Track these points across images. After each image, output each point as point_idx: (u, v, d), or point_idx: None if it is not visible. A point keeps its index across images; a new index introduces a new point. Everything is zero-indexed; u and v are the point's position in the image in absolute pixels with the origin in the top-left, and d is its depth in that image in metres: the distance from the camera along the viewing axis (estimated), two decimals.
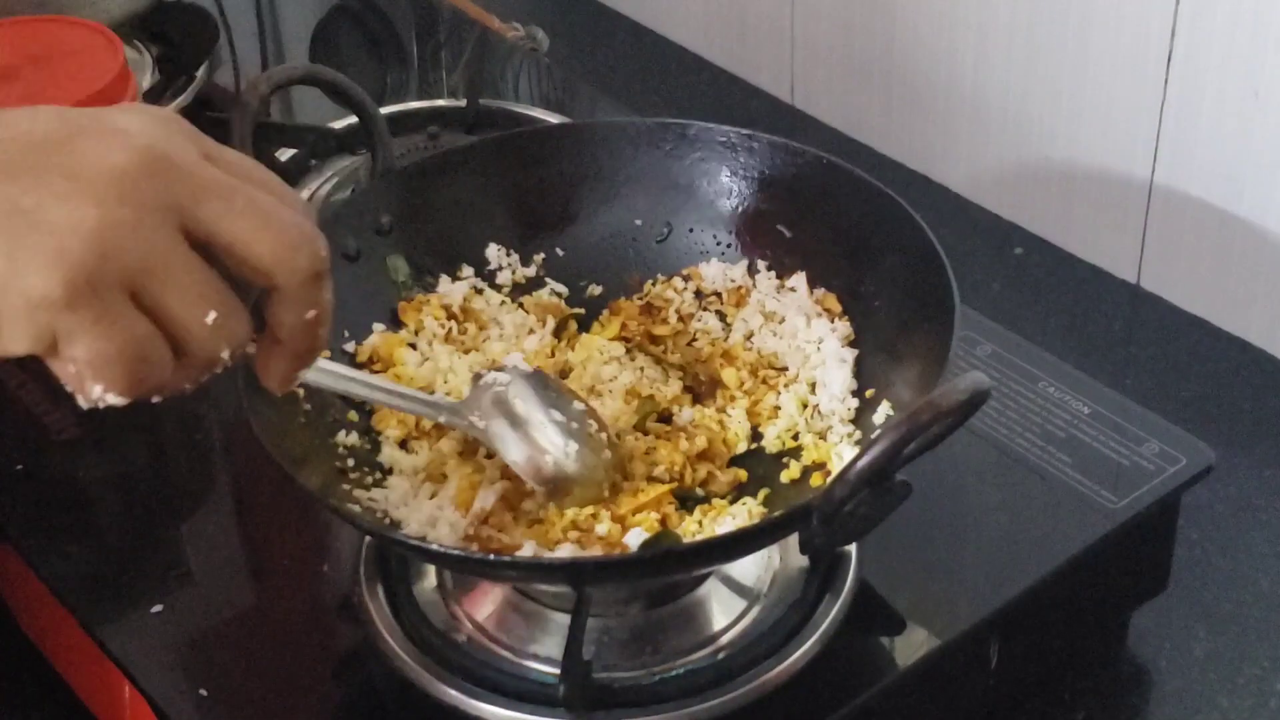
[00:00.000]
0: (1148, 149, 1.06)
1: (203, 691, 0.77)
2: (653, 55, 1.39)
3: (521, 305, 0.87)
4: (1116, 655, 0.87)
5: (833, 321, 0.83)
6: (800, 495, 0.76)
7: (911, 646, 0.77)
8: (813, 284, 0.85)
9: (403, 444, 0.80)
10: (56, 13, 1.04)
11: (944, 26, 1.16)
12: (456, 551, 0.72)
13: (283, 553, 0.85)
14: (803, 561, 0.78)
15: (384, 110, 1.02)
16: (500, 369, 0.78)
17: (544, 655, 0.75)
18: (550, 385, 0.79)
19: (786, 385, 0.82)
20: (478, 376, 0.79)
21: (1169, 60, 1.02)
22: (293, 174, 1.10)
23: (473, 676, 0.75)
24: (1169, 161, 1.06)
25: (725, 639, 0.76)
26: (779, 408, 0.81)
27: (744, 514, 0.76)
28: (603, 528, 0.74)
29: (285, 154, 1.10)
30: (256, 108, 0.86)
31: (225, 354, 0.57)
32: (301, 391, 0.79)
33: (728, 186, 0.88)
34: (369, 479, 0.77)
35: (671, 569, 0.74)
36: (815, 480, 0.77)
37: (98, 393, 0.54)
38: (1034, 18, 1.09)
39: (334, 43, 1.36)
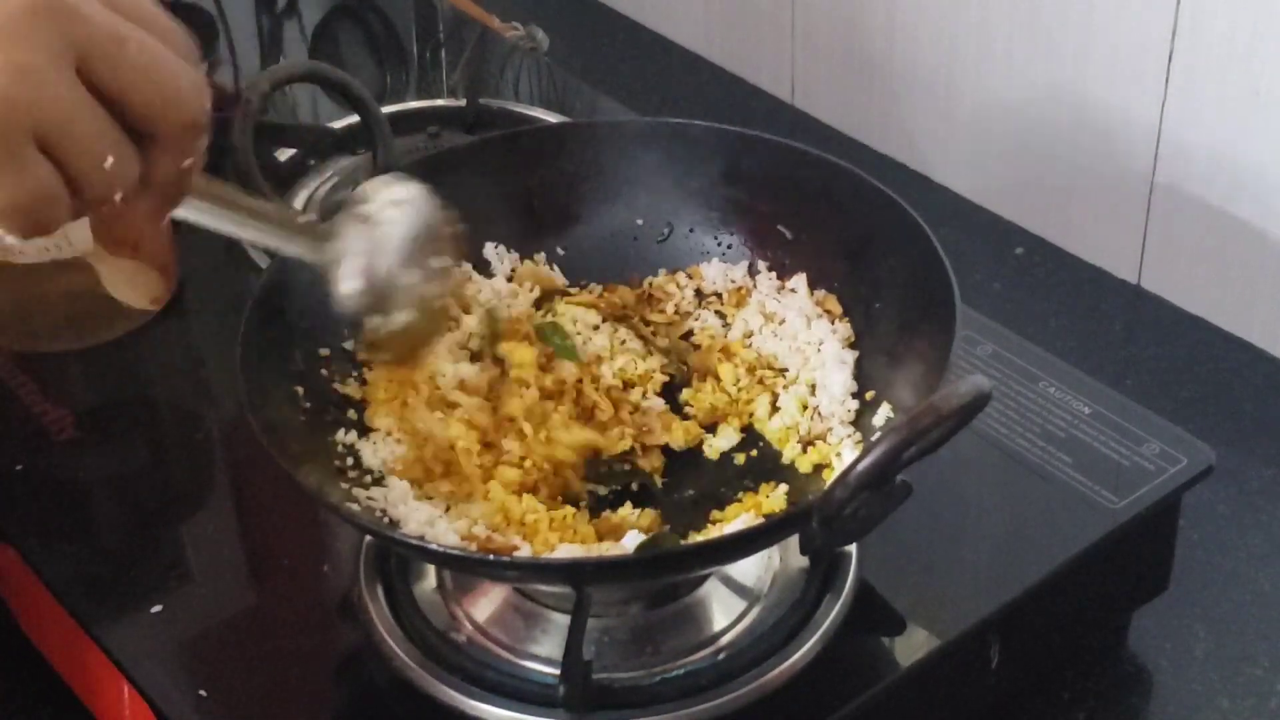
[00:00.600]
0: (1148, 149, 1.06)
1: (202, 692, 0.77)
2: (653, 55, 1.39)
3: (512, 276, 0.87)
4: (1117, 655, 0.87)
5: (833, 323, 0.83)
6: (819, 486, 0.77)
7: (912, 646, 0.77)
8: (813, 285, 0.85)
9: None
10: None
11: (945, 26, 1.15)
12: (456, 551, 0.72)
13: (283, 553, 0.84)
14: (803, 561, 0.78)
15: (384, 110, 1.02)
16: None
17: (544, 655, 0.75)
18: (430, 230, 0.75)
19: (786, 386, 0.82)
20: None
21: (1169, 60, 1.02)
22: (292, 174, 1.10)
23: (472, 677, 0.75)
24: (1169, 161, 1.06)
25: (725, 639, 0.76)
26: (778, 408, 0.81)
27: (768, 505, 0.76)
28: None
29: (285, 154, 1.10)
30: (257, 106, 0.86)
31: (118, 196, 0.56)
32: (301, 390, 0.79)
33: (728, 187, 0.88)
34: (369, 478, 0.77)
35: (671, 570, 0.74)
36: (827, 475, 0.77)
37: None
38: (1034, 18, 1.09)
39: (334, 42, 1.36)
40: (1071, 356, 0.94)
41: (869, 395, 0.80)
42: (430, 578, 0.80)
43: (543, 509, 0.75)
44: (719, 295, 0.87)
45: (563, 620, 0.74)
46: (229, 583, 0.84)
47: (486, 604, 0.78)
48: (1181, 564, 0.87)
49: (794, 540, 0.70)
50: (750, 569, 0.79)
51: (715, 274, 0.87)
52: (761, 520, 0.74)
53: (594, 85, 1.24)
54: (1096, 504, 0.82)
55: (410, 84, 1.31)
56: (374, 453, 0.78)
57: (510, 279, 0.88)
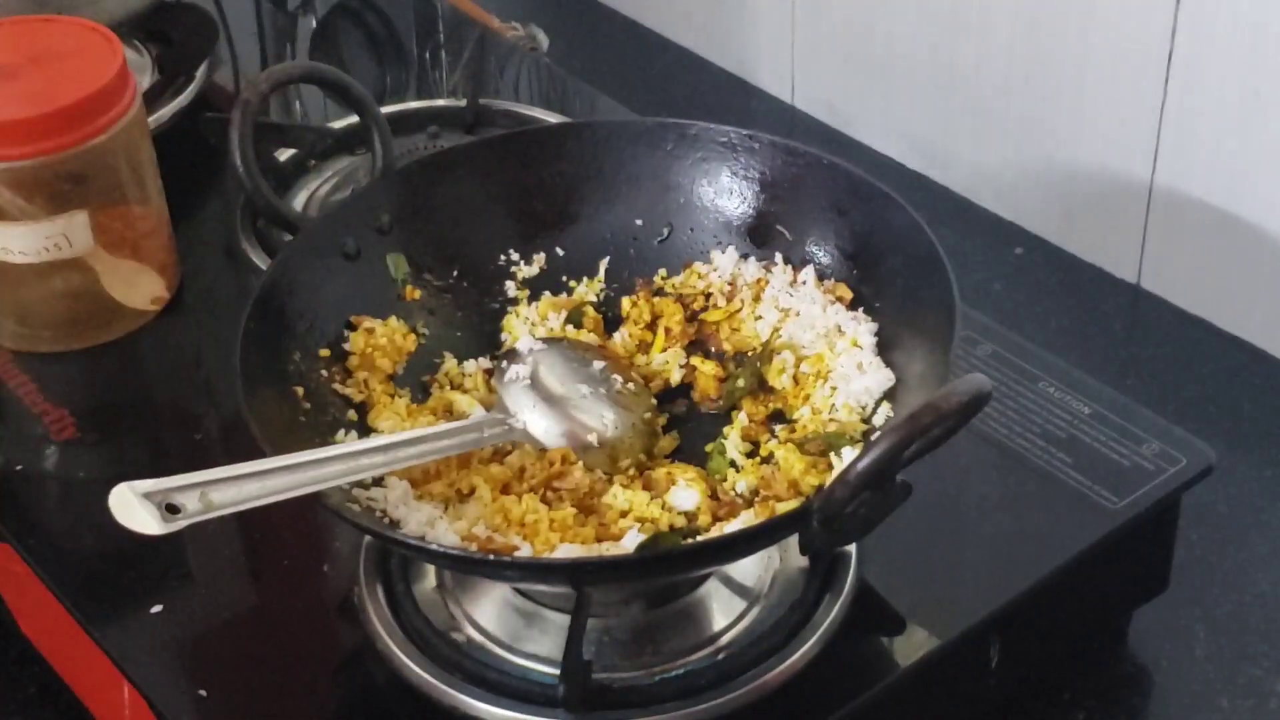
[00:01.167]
0: (1148, 149, 1.06)
1: (202, 692, 0.77)
2: (653, 55, 1.39)
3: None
4: (1117, 655, 0.87)
5: (850, 310, 0.83)
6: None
7: (911, 646, 0.77)
8: (820, 278, 0.85)
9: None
10: (56, 12, 1.04)
11: (945, 27, 1.15)
12: (456, 551, 0.72)
13: (283, 553, 0.84)
14: (803, 562, 0.78)
15: (384, 110, 1.02)
16: (513, 354, 0.81)
17: (544, 655, 0.75)
18: (568, 351, 0.81)
19: (822, 378, 0.81)
20: (491, 372, 0.81)
21: (1169, 60, 1.02)
22: (292, 174, 1.10)
23: (472, 677, 0.75)
24: (1169, 161, 1.06)
25: (725, 639, 0.76)
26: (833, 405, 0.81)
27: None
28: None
29: (285, 154, 1.10)
30: (257, 107, 0.86)
31: None
32: (301, 391, 0.79)
33: (728, 187, 0.88)
34: (368, 479, 0.77)
35: (671, 570, 0.74)
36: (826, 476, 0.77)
37: None
38: (1034, 18, 1.09)
39: (334, 42, 1.36)
40: (1071, 356, 0.94)
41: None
42: (430, 578, 0.80)
43: (543, 509, 0.75)
44: (731, 285, 0.87)
45: (562, 620, 0.74)
46: (229, 583, 0.84)
47: (486, 604, 0.78)
48: (1181, 564, 0.87)
49: (794, 540, 0.70)
50: (750, 569, 0.79)
51: (727, 263, 0.87)
52: (761, 520, 0.74)
53: (594, 85, 1.24)
54: (1096, 504, 0.82)
55: (410, 84, 1.31)
56: None
57: (522, 287, 0.88)
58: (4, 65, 0.95)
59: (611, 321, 0.88)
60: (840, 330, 0.82)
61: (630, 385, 0.82)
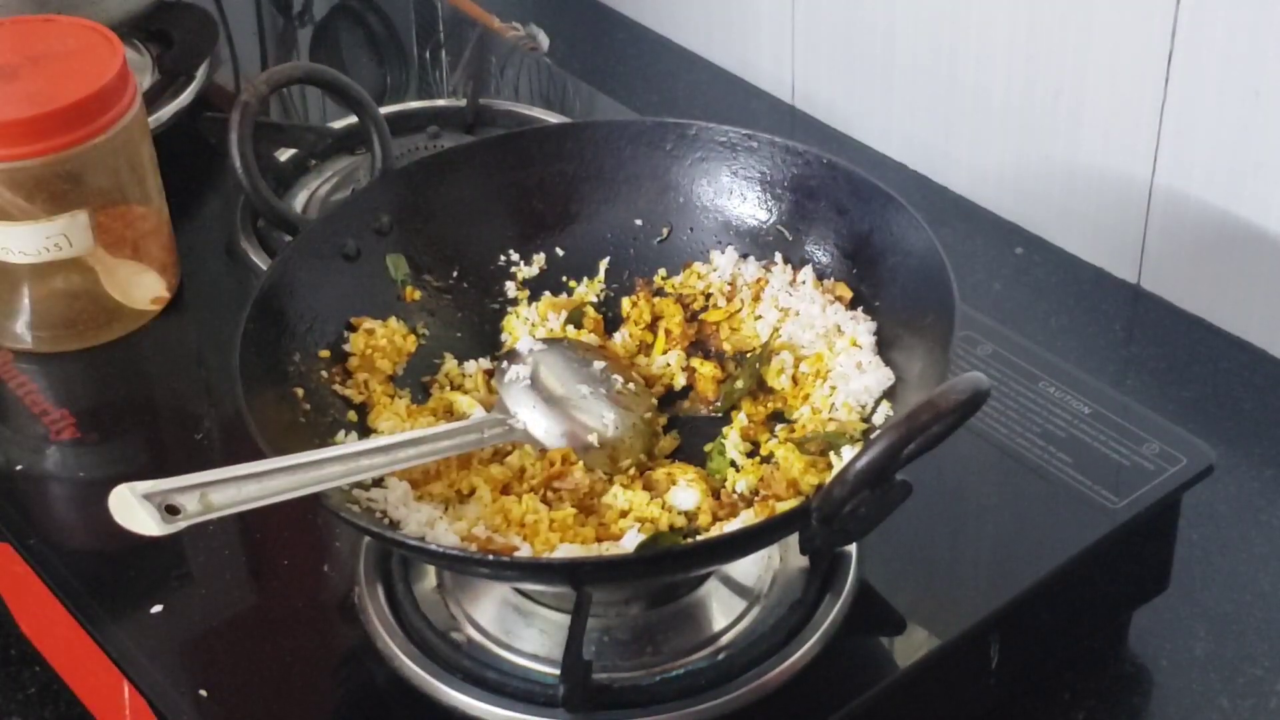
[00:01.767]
0: (1148, 149, 1.06)
1: (202, 692, 0.77)
2: (653, 55, 1.39)
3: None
4: (1117, 655, 0.87)
5: (849, 309, 0.83)
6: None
7: (912, 646, 0.77)
8: (820, 278, 0.85)
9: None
10: (56, 12, 1.04)
11: (945, 26, 1.15)
12: (456, 551, 0.72)
13: (283, 553, 0.84)
14: (803, 561, 0.78)
15: (384, 110, 1.02)
16: (514, 355, 0.81)
17: (544, 655, 0.75)
18: (568, 352, 0.81)
19: (821, 377, 0.81)
20: (491, 373, 0.81)
21: (1169, 60, 1.02)
22: (292, 174, 1.10)
23: (472, 677, 0.75)
24: (1169, 161, 1.06)
25: (725, 639, 0.76)
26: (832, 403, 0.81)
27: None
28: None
29: (285, 154, 1.10)
30: (256, 107, 0.86)
31: None
32: (301, 391, 0.79)
33: (728, 187, 0.88)
34: (368, 479, 0.77)
35: (671, 570, 0.74)
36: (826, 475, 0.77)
37: None
38: (1035, 18, 1.09)
39: (334, 43, 1.36)
40: (1071, 356, 0.94)
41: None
42: (430, 578, 0.80)
43: (543, 509, 0.75)
44: (731, 285, 0.87)
45: (563, 620, 0.74)
46: (229, 583, 0.84)
47: (486, 604, 0.78)
48: (1181, 564, 0.87)
49: (794, 540, 0.70)
50: (750, 569, 0.79)
51: (726, 263, 0.87)
52: (761, 519, 0.74)
53: (594, 85, 1.25)
54: (1096, 504, 0.82)
55: (410, 84, 1.31)
56: None
57: (522, 288, 0.88)
58: (4, 65, 0.95)
59: (611, 322, 0.88)
60: (840, 330, 0.82)
61: (630, 385, 0.82)
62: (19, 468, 0.90)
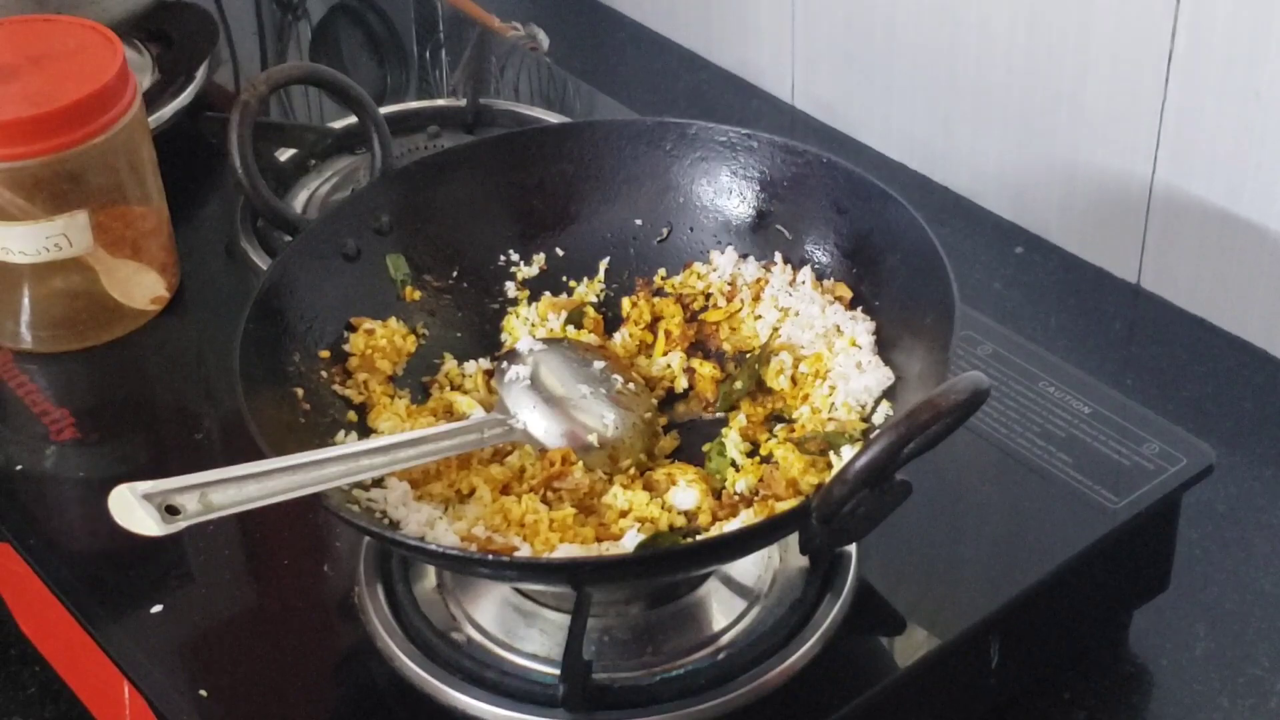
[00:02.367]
0: (1148, 149, 1.06)
1: (202, 692, 0.77)
2: (653, 55, 1.39)
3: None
4: (1117, 655, 0.87)
5: (849, 309, 0.83)
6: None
7: (912, 646, 0.77)
8: (820, 278, 0.85)
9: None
10: (56, 12, 1.04)
11: (945, 26, 1.15)
12: (456, 552, 0.72)
13: (283, 553, 0.84)
14: (803, 561, 0.78)
15: (384, 110, 1.02)
16: (513, 355, 0.81)
17: (544, 655, 0.75)
18: (568, 352, 0.82)
19: (821, 377, 0.81)
20: (491, 373, 0.81)
21: (1169, 60, 1.02)
22: (292, 174, 1.10)
23: (472, 677, 0.75)
24: (1169, 161, 1.06)
25: (725, 639, 0.76)
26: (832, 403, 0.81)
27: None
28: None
29: (285, 154, 1.10)
30: (256, 107, 0.86)
31: None
32: (300, 392, 0.79)
33: (728, 186, 0.88)
34: (368, 479, 0.77)
35: (671, 569, 0.74)
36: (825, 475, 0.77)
37: None
38: (1035, 18, 1.09)
39: (334, 42, 1.36)
40: (1071, 356, 0.94)
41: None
42: (430, 578, 0.80)
43: (543, 509, 0.75)
44: (731, 285, 0.87)
45: (563, 620, 0.74)
46: (229, 583, 0.84)
47: (486, 604, 0.78)
48: (1181, 564, 0.87)
49: (794, 540, 0.70)
50: (750, 569, 0.79)
51: (727, 263, 0.87)
52: (761, 519, 0.74)
53: (594, 85, 1.25)
54: (1096, 504, 0.82)
55: (410, 84, 1.31)
56: None
57: (522, 288, 0.88)
58: (4, 65, 0.95)
59: (611, 322, 0.88)
60: (839, 330, 0.82)
61: (630, 385, 0.82)
62: (19, 468, 0.90)
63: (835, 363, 0.81)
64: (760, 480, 0.77)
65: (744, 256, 0.87)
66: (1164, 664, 0.86)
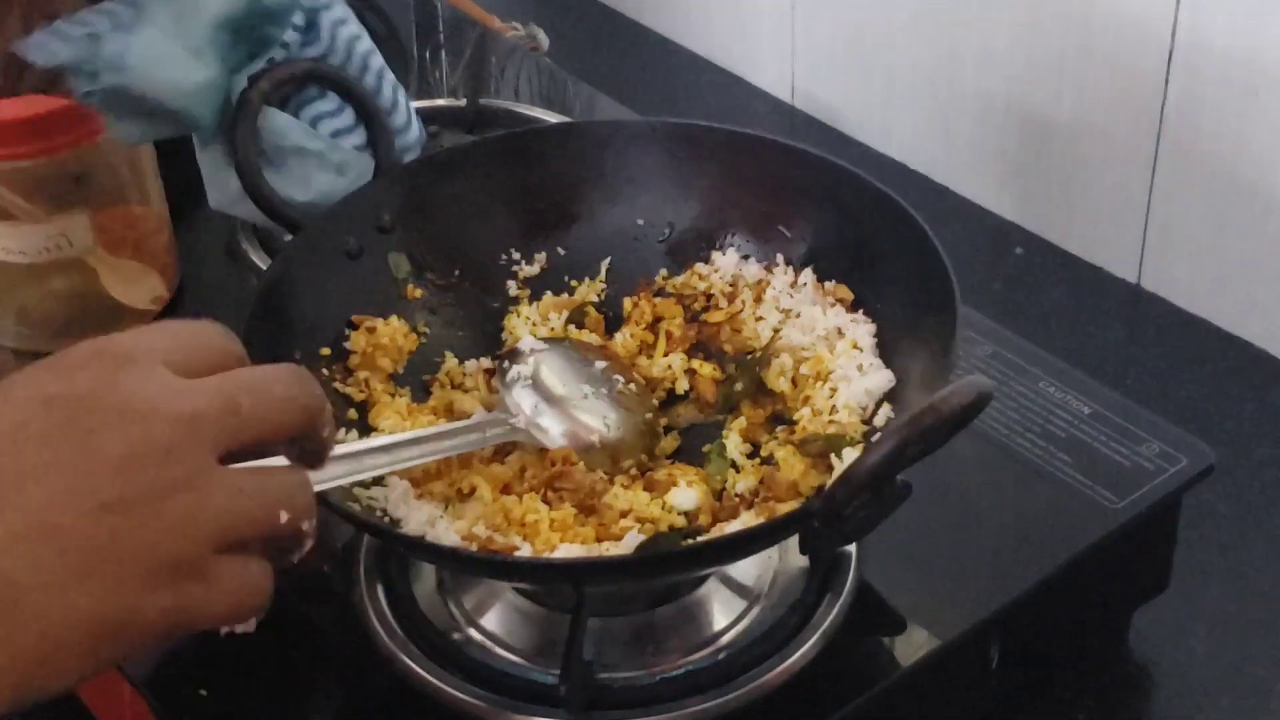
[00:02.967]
0: (1148, 149, 1.06)
1: (203, 691, 0.77)
2: (653, 55, 1.40)
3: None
4: (1117, 655, 0.87)
5: (850, 312, 0.83)
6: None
7: (912, 646, 0.77)
8: (821, 279, 0.85)
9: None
10: None
11: (945, 27, 1.16)
12: (455, 550, 0.72)
13: None
14: (803, 562, 0.78)
15: None
16: (515, 354, 0.81)
17: (544, 655, 0.75)
18: (570, 351, 0.82)
19: (822, 379, 0.81)
20: (492, 372, 0.81)
21: (1168, 61, 1.02)
22: None
23: (473, 676, 0.75)
24: (1169, 161, 1.06)
25: (726, 639, 0.76)
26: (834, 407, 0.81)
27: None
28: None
29: None
30: (258, 106, 0.86)
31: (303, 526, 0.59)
32: None
33: (730, 188, 0.88)
34: (369, 478, 0.77)
35: (671, 570, 0.74)
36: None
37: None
38: (1034, 18, 1.09)
39: None
40: (1071, 356, 0.94)
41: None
42: (431, 578, 0.80)
43: (543, 509, 0.75)
44: (733, 286, 0.87)
45: (563, 620, 0.73)
46: None
47: (487, 603, 0.78)
48: (1181, 564, 0.87)
49: (794, 540, 0.70)
50: (750, 569, 0.79)
51: (729, 264, 0.87)
52: (762, 521, 0.74)
53: (594, 85, 1.25)
54: (1096, 504, 0.82)
55: (410, 84, 1.31)
56: None
57: (523, 287, 0.89)
58: None
59: (613, 322, 0.88)
60: (840, 332, 0.82)
61: (632, 386, 0.82)
62: None
63: (836, 365, 0.81)
64: (761, 482, 0.77)
65: (745, 258, 0.87)
66: (1164, 664, 0.86)
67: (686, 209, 0.89)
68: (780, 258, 0.86)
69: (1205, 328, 1.08)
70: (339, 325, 0.84)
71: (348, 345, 0.83)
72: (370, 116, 0.89)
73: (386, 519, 0.74)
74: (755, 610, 0.77)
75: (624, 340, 0.86)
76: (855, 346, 0.81)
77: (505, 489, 0.77)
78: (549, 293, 0.88)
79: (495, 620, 0.77)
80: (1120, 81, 1.06)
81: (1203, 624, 0.88)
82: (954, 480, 0.84)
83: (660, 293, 0.88)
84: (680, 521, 0.76)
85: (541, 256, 0.89)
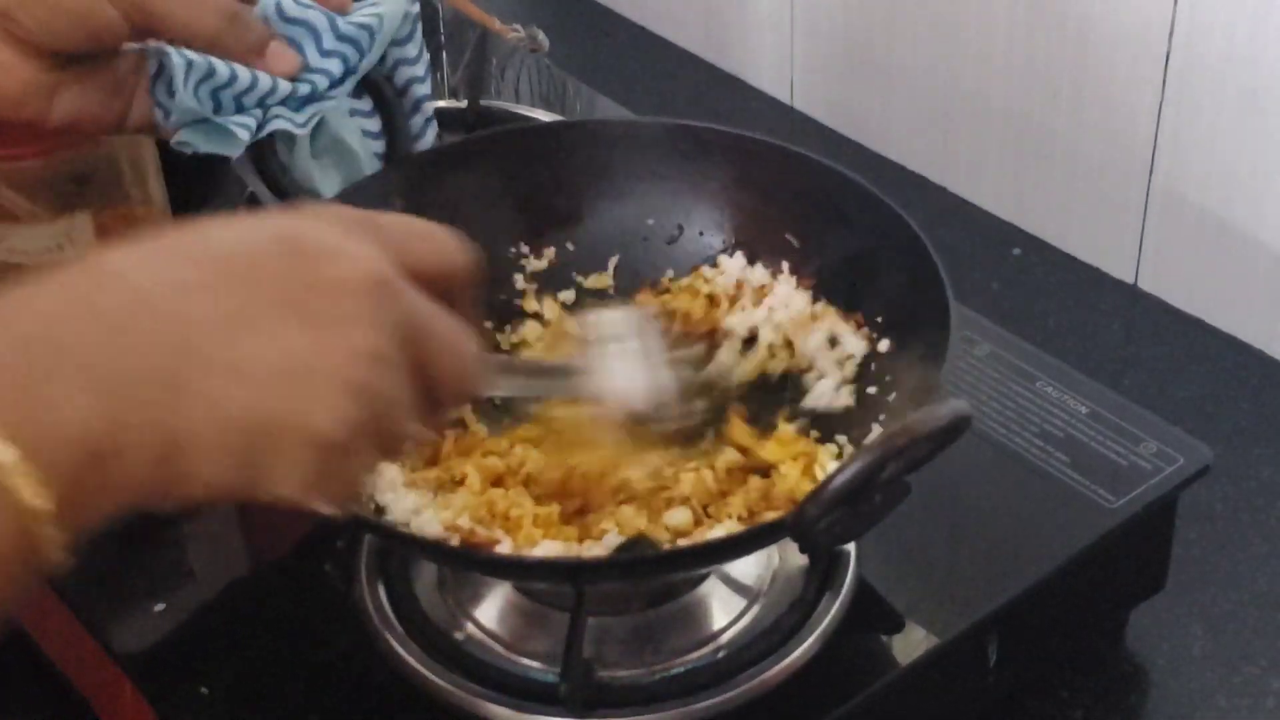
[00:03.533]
0: (1146, 149, 1.07)
1: (203, 690, 0.77)
2: (653, 55, 1.40)
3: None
4: (1115, 654, 0.87)
5: (847, 321, 0.83)
6: None
7: (911, 645, 0.77)
8: (817, 294, 0.85)
9: None
10: None
11: (944, 27, 1.16)
12: (456, 550, 0.72)
13: (283, 550, 0.85)
14: (802, 560, 0.78)
15: None
16: (605, 314, 0.79)
17: (544, 653, 0.75)
18: (658, 324, 0.80)
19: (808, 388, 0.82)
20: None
21: (1168, 60, 1.03)
22: None
23: (473, 675, 0.75)
24: (1167, 162, 1.06)
25: (725, 638, 0.76)
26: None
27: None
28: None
29: None
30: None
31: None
32: None
33: (739, 192, 0.88)
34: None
35: (670, 570, 0.75)
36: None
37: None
38: (1034, 18, 1.09)
39: None
40: (1069, 356, 0.94)
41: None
42: (431, 575, 0.80)
43: (528, 503, 0.75)
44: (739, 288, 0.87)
45: (563, 619, 0.74)
46: (230, 581, 0.84)
47: (487, 602, 0.78)
48: (1179, 563, 0.88)
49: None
50: (750, 567, 0.79)
51: (734, 268, 0.87)
52: (744, 528, 0.74)
53: (594, 85, 1.25)
54: (1094, 503, 0.82)
55: None
56: None
57: (530, 280, 0.89)
58: None
59: None
60: (837, 340, 0.82)
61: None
62: None
63: (829, 373, 0.81)
64: (755, 493, 0.77)
65: (750, 262, 0.87)
66: (1161, 663, 0.87)
67: (694, 212, 0.89)
68: (786, 265, 0.86)
69: (1202, 328, 1.08)
70: None
71: None
72: (384, 104, 0.89)
73: (373, 506, 0.74)
74: (755, 609, 0.77)
75: None
76: (850, 356, 0.81)
77: (497, 481, 0.77)
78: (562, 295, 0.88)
79: (495, 618, 0.77)
80: (1118, 82, 1.06)
81: (1200, 623, 0.88)
82: (952, 480, 0.84)
83: (664, 293, 0.88)
84: (665, 535, 0.75)
85: (550, 251, 0.89)
